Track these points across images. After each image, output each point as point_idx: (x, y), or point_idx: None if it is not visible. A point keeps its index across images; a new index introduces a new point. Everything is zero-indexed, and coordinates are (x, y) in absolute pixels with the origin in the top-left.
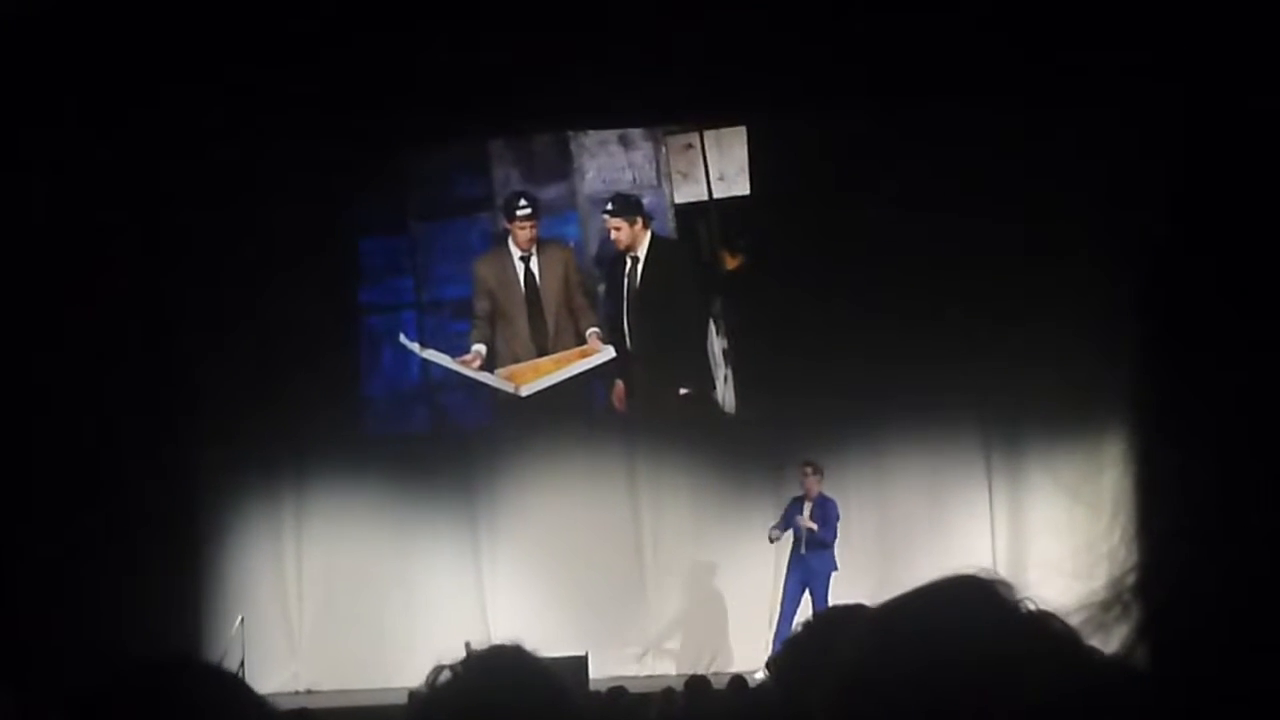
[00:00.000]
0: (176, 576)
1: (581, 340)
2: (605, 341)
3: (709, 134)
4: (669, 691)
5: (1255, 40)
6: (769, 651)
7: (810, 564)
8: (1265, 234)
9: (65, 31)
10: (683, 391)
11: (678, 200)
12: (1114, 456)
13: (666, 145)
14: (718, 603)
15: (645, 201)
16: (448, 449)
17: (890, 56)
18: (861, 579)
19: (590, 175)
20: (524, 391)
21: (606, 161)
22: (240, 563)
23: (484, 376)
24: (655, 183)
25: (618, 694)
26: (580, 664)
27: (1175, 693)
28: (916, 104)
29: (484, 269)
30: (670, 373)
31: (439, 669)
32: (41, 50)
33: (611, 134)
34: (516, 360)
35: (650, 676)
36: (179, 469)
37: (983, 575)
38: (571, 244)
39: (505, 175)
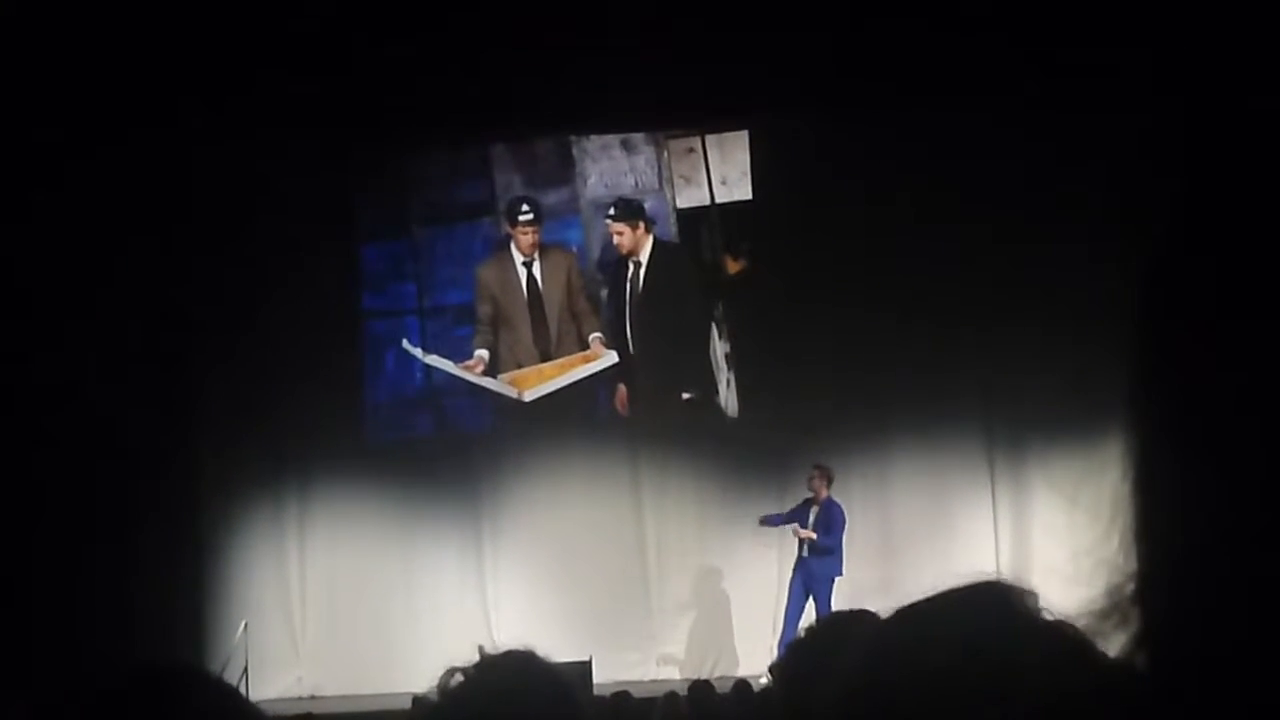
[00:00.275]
0: (181, 581)
1: (584, 345)
2: (608, 346)
3: (711, 138)
4: (672, 696)
5: (1254, 42)
6: (773, 656)
7: (812, 568)
8: (1265, 237)
9: (66, 38)
10: (685, 396)
11: (680, 205)
12: (1113, 461)
13: (668, 150)
14: (721, 607)
15: (647, 206)
16: (451, 454)
17: (891, 61)
18: (865, 583)
19: (592, 180)
20: (527, 397)
21: (608, 166)
22: (244, 568)
23: (487, 382)
24: (657, 187)
25: (621, 699)
26: (584, 669)
27: (1172, 702)
28: (918, 108)
29: (486, 274)
30: (673, 377)
31: (451, 672)
32: (42, 58)
33: (613, 138)
34: (519, 365)
35: (654, 681)
36: (183, 474)
37: (1002, 581)
38: (574, 249)
39: (507, 180)
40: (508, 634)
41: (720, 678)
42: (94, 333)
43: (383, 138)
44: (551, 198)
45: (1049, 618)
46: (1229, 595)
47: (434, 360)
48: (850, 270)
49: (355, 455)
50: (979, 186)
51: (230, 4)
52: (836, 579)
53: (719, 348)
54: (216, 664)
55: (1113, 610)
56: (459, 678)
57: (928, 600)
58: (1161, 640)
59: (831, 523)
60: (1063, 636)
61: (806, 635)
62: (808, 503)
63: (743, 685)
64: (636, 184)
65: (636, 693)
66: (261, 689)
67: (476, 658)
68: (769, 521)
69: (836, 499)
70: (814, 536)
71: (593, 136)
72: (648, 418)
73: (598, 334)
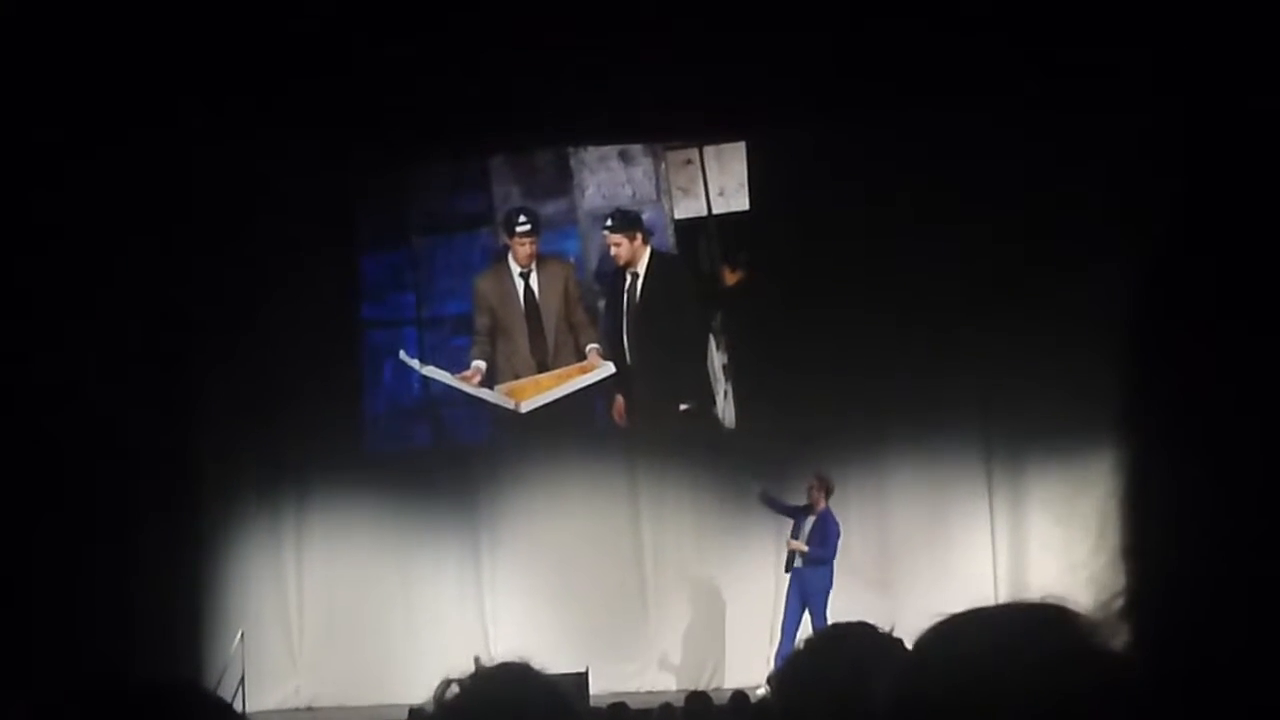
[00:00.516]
0: (178, 591)
1: (581, 356)
2: (605, 357)
3: (709, 149)
4: (668, 708)
5: (1254, 42)
6: (770, 667)
7: (807, 578)
8: (1266, 241)
9: (66, 38)
10: (683, 407)
11: (677, 216)
12: (1106, 473)
13: (666, 161)
14: (718, 618)
15: (645, 217)
16: (448, 465)
17: (888, 71)
18: (862, 594)
19: (590, 191)
20: (524, 408)
21: (606, 177)
22: (241, 578)
23: (483, 393)
24: (655, 198)
25: (618, 710)
26: (581, 680)
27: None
28: (915, 118)
29: (484, 285)
30: (670, 388)
31: (447, 683)
32: (42, 58)
33: (611, 150)
34: (516, 376)
35: (651, 692)
36: (180, 483)
37: (1058, 604)
38: (571, 259)
39: (506, 191)
40: (505, 645)
41: (717, 689)
42: (94, 333)
43: (383, 147)
44: (549, 209)
45: (1096, 644)
46: (1224, 608)
47: (430, 371)
48: (847, 280)
49: (353, 465)
50: (977, 193)
51: (231, 8)
52: (831, 591)
53: (716, 359)
54: (214, 674)
55: (1103, 624)
56: (455, 689)
57: (971, 615)
58: (1152, 655)
59: (827, 535)
60: (1104, 664)
61: (805, 647)
62: (807, 509)
63: (740, 696)
64: (634, 195)
65: (633, 704)
66: (259, 700)
67: (472, 669)
68: (770, 502)
69: (833, 510)
70: (805, 549)
71: (591, 148)
72: (645, 428)
73: (595, 345)
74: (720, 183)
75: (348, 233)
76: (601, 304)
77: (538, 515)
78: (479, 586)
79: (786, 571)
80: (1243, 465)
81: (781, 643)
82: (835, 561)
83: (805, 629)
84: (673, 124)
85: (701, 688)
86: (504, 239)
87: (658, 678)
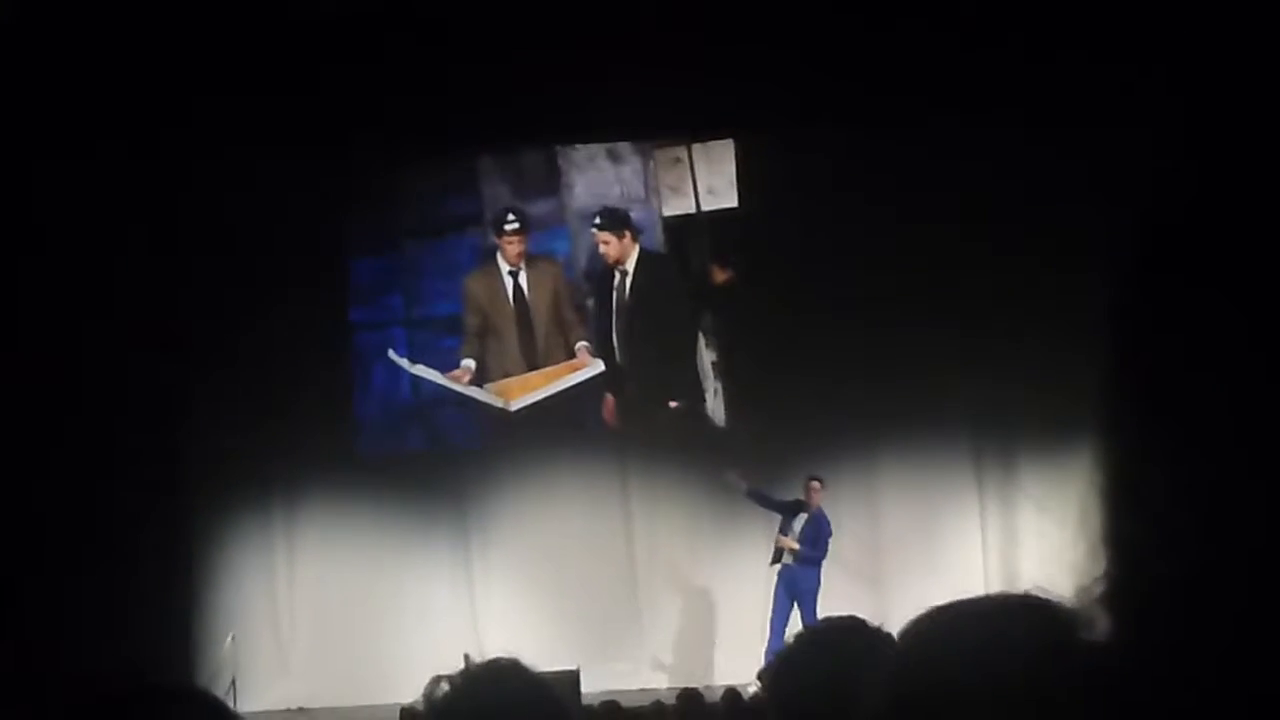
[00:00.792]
0: (169, 594)
1: (571, 355)
2: (594, 355)
3: (697, 148)
4: (660, 706)
5: (1253, 48)
6: (761, 664)
7: (796, 577)
8: (1243, 245)
9: (66, 44)
10: (673, 405)
11: (666, 214)
12: (1091, 469)
13: (655, 159)
14: (710, 616)
15: (634, 215)
16: (438, 465)
17: (878, 69)
18: (853, 592)
19: (579, 190)
20: (514, 406)
21: (595, 176)
22: (232, 581)
23: (473, 391)
24: (644, 197)
25: (610, 709)
26: (573, 679)
27: (1140, 707)
28: (906, 117)
29: (474, 285)
30: (660, 386)
31: (437, 680)
32: (42, 61)
33: (600, 149)
34: (506, 375)
35: (643, 690)
36: (171, 487)
37: (1040, 595)
38: (561, 258)
39: (494, 191)
40: (497, 644)
41: (709, 686)
42: (83, 337)
43: (370, 149)
44: (538, 208)
45: (1082, 637)
46: (1203, 597)
47: (420, 370)
48: (838, 279)
49: (344, 467)
50: (967, 195)
51: (218, 12)
52: (819, 590)
53: (706, 357)
54: (205, 676)
55: (1084, 615)
56: (444, 687)
57: (969, 604)
58: (1132, 644)
59: (819, 535)
60: (1087, 657)
61: (796, 642)
62: (799, 506)
63: (732, 693)
64: (623, 194)
65: (625, 702)
66: (250, 701)
67: (461, 667)
68: (756, 496)
69: (825, 510)
70: (797, 547)
71: (579, 147)
72: (635, 427)
73: (584, 342)
74: (709, 181)
75: (338, 235)
76: (591, 303)
77: (528, 515)
78: (470, 586)
79: (772, 565)
80: (1220, 458)
81: (770, 639)
82: (826, 559)
83: (795, 625)
84: (661, 122)
85: (694, 685)
86: (493, 239)
87: (650, 676)
